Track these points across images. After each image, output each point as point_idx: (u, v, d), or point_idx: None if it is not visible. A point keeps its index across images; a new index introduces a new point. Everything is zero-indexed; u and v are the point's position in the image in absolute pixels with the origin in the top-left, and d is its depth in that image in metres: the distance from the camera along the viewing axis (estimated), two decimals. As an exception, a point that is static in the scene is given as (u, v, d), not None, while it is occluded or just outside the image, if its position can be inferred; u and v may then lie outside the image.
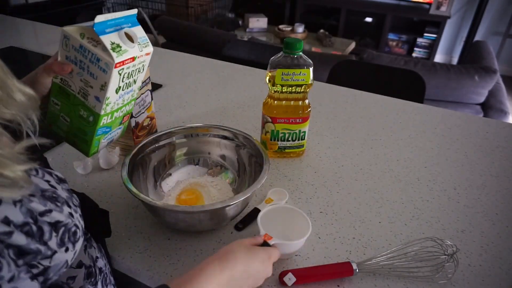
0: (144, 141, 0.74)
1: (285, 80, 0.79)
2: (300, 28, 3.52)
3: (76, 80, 0.58)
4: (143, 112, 0.84)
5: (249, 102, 1.15)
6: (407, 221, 0.72)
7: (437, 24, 3.80)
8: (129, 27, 0.57)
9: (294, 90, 0.80)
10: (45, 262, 0.39)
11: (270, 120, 0.84)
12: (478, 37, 3.70)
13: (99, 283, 0.52)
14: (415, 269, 0.61)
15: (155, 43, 3.45)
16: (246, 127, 1.01)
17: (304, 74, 0.78)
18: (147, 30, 3.62)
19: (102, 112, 0.58)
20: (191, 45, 2.63)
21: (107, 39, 0.53)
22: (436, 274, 0.60)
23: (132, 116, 0.81)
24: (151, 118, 0.89)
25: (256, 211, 0.71)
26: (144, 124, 0.86)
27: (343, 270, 0.60)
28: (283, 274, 0.59)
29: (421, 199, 0.78)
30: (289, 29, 3.55)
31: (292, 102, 0.83)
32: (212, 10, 4.41)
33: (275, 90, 0.81)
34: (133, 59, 0.57)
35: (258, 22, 3.74)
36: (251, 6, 4.44)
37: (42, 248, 0.39)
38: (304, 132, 0.86)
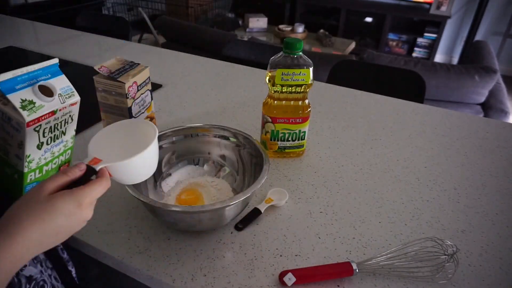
0: (144, 141, 0.74)
1: (285, 80, 0.79)
2: (300, 28, 3.52)
3: None
4: (143, 112, 0.84)
5: (249, 102, 1.15)
6: (407, 221, 0.72)
7: (437, 24, 3.80)
8: (48, 78, 0.52)
9: (294, 90, 0.80)
10: None
11: (270, 120, 0.84)
12: (478, 37, 3.70)
13: None
14: (415, 269, 0.61)
15: (155, 43, 3.45)
16: (246, 127, 1.01)
17: (304, 74, 0.78)
18: (147, 30, 3.62)
19: (26, 170, 0.53)
20: (191, 45, 2.63)
21: (17, 97, 0.48)
22: (436, 274, 0.60)
23: (132, 116, 0.81)
24: (151, 118, 0.89)
25: (256, 211, 0.71)
26: (144, 124, 0.86)
27: (343, 270, 0.60)
28: (283, 274, 0.59)
29: (421, 199, 0.78)
30: (289, 29, 3.55)
31: (292, 102, 0.83)
32: (212, 10, 4.42)
33: (275, 90, 0.81)
34: (53, 113, 0.51)
35: (258, 22, 3.74)
36: (251, 6, 4.44)
37: None
38: (304, 132, 0.86)
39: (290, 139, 0.86)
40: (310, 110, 0.84)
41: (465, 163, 0.90)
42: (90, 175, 0.48)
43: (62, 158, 0.60)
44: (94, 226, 0.68)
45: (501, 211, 0.76)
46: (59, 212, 0.40)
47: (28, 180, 0.55)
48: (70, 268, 0.63)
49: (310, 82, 0.80)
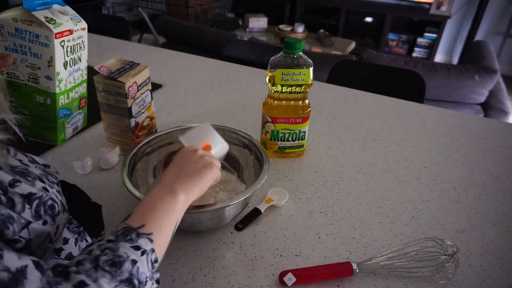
0: (144, 141, 0.74)
1: (285, 80, 0.79)
2: (300, 28, 3.52)
3: (22, 68, 0.58)
4: (143, 112, 0.84)
5: (249, 102, 1.15)
6: (407, 221, 0.72)
7: (437, 24, 3.80)
8: (58, 3, 0.60)
9: (294, 90, 0.80)
10: (24, 234, 0.39)
11: (270, 120, 0.84)
12: (478, 37, 3.70)
13: None
14: (415, 269, 0.61)
15: (155, 43, 3.45)
16: (246, 127, 1.01)
17: (304, 74, 0.78)
18: (147, 30, 3.62)
19: (57, 90, 0.59)
20: (191, 45, 2.62)
21: (41, 15, 0.55)
22: (436, 274, 0.60)
23: (132, 116, 0.81)
24: (151, 118, 0.89)
25: (256, 211, 0.71)
26: (144, 124, 0.86)
27: (343, 270, 0.60)
28: (283, 274, 0.59)
29: (421, 199, 0.78)
30: (289, 29, 3.55)
31: (292, 102, 0.83)
32: (212, 10, 4.42)
33: (275, 90, 0.81)
34: (70, 31, 0.58)
35: (258, 22, 3.74)
36: (251, 6, 4.44)
37: (14, 215, 0.38)
38: (304, 132, 0.86)
39: (290, 139, 0.86)
40: (310, 110, 0.84)
41: (465, 163, 0.90)
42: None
43: (81, 89, 0.67)
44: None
45: (501, 211, 0.76)
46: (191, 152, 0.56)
47: (60, 104, 0.61)
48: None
49: (310, 82, 0.80)
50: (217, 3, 4.48)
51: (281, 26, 3.60)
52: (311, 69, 0.79)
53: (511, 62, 3.77)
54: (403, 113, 1.12)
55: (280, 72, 0.78)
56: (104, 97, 0.80)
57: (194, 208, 0.59)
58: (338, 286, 0.59)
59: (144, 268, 0.40)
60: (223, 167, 0.81)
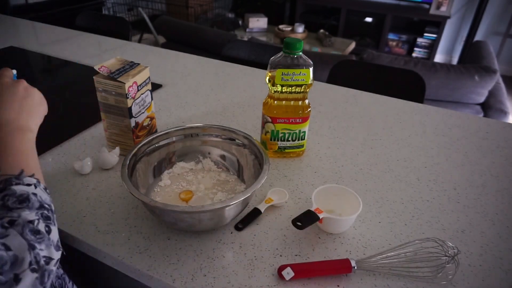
0: (144, 141, 0.74)
1: (285, 80, 0.79)
2: (300, 28, 3.52)
3: None
4: (143, 112, 0.84)
5: (249, 102, 1.15)
6: (407, 221, 0.72)
7: (437, 24, 3.80)
8: None
9: (294, 90, 0.80)
10: None
11: (270, 120, 0.84)
12: (478, 37, 3.70)
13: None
14: (415, 269, 0.61)
15: (155, 43, 3.45)
16: (246, 127, 1.01)
17: (304, 74, 0.78)
18: (147, 30, 3.62)
19: None
20: (191, 45, 2.63)
21: None
22: (436, 275, 0.60)
23: (132, 116, 0.81)
24: (151, 118, 0.89)
25: (256, 211, 0.71)
26: (144, 124, 0.86)
27: (341, 266, 0.60)
28: (282, 268, 0.59)
29: (421, 199, 0.78)
30: (289, 29, 3.55)
31: (292, 102, 0.83)
32: (212, 10, 4.42)
33: (275, 90, 0.81)
34: None
35: (258, 22, 3.74)
36: (251, 6, 4.44)
37: None
38: (304, 132, 0.86)
39: (290, 139, 0.86)
40: (310, 110, 0.84)
41: (465, 163, 0.90)
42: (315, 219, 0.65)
43: None
44: (94, 226, 0.68)
45: (501, 211, 0.76)
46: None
47: None
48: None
49: (310, 82, 0.80)
50: (217, 3, 4.48)
51: (281, 26, 3.61)
52: (311, 69, 0.79)
53: (510, 62, 3.77)
54: (403, 113, 1.12)
55: (280, 72, 0.78)
56: (104, 97, 0.80)
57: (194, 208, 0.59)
58: (338, 286, 0.59)
59: (43, 195, 0.47)
60: (222, 166, 0.81)
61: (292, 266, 0.59)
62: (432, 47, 3.91)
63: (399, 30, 4.07)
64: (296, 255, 0.64)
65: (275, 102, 0.83)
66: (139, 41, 4.00)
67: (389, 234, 0.69)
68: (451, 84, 2.02)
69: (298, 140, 0.87)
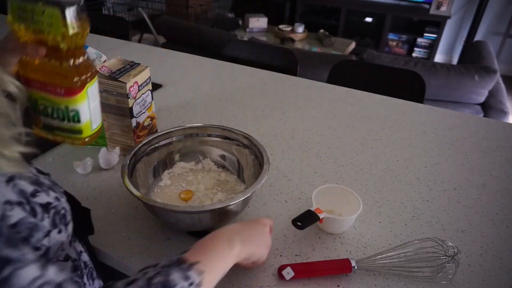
0: (144, 141, 0.74)
1: (23, 20, 0.47)
2: (300, 28, 3.52)
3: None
4: (143, 112, 0.84)
5: (249, 102, 1.15)
6: (407, 221, 0.72)
7: (437, 24, 3.80)
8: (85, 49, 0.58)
9: (42, 38, 0.49)
10: (45, 242, 0.41)
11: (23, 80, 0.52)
12: (478, 37, 3.70)
13: (85, 277, 0.53)
14: (415, 269, 0.61)
15: (155, 43, 3.45)
16: (246, 127, 1.01)
17: (51, 17, 0.47)
18: (147, 30, 3.62)
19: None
20: (191, 45, 2.62)
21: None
22: (436, 275, 0.60)
23: (133, 116, 0.81)
24: (152, 118, 0.89)
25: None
26: (144, 124, 0.86)
27: (341, 266, 0.60)
28: (282, 268, 0.59)
29: (421, 199, 0.78)
30: (289, 29, 3.55)
31: (49, 60, 0.51)
32: (212, 10, 4.42)
33: (15, 30, 0.49)
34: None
35: (258, 22, 3.73)
36: (251, 6, 4.44)
37: (39, 224, 0.40)
38: (76, 111, 0.54)
39: (55, 116, 0.54)
40: (84, 79, 0.53)
41: (465, 163, 0.90)
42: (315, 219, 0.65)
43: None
44: (94, 226, 0.68)
45: (501, 211, 0.76)
46: (255, 224, 0.59)
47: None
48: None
49: (67, 32, 0.48)
50: (217, 3, 4.48)
51: (281, 26, 3.60)
52: (67, 10, 0.47)
53: (510, 62, 3.77)
54: (403, 113, 1.12)
55: (15, 6, 0.47)
56: (105, 97, 0.80)
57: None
58: (338, 286, 0.59)
59: None
60: (222, 166, 0.81)
61: (292, 266, 0.59)
62: (432, 47, 3.91)
63: (399, 30, 4.07)
64: (296, 255, 0.64)
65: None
66: (139, 41, 4.00)
67: (389, 234, 0.69)
68: (451, 84, 2.02)
69: (68, 121, 0.55)
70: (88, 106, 0.55)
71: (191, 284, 0.42)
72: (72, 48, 0.51)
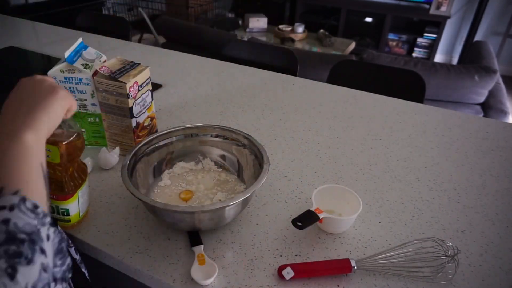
0: (144, 141, 0.74)
1: None
2: (300, 28, 3.52)
3: None
4: (143, 112, 0.84)
5: (249, 102, 1.15)
6: (407, 221, 0.72)
7: (437, 24, 3.80)
8: (84, 50, 0.80)
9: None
10: None
11: None
12: (478, 37, 3.70)
13: None
14: (415, 269, 0.61)
15: (155, 43, 3.45)
16: (246, 127, 1.01)
17: (48, 151, 0.56)
18: (147, 30, 3.62)
19: (100, 111, 0.83)
20: (191, 45, 2.63)
21: (78, 64, 0.78)
22: (436, 275, 0.60)
23: (133, 116, 0.81)
24: (152, 118, 0.89)
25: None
26: (144, 124, 0.86)
27: (341, 266, 0.60)
28: (282, 268, 0.59)
29: (421, 199, 0.78)
30: (289, 29, 3.55)
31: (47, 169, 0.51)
32: (212, 10, 4.42)
33: None
34: (97, 70, 0.77)
35: (258, 22, 3.73)
36: (251, 6, 4.44)
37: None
38: (66, 209, 0.64)
39: None
40: (77, 186, 0.62)
41: (465, 163, 0.90)
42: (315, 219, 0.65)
43: None
44: (94, 226, 0.68)
45: (501, 211, 0.76)
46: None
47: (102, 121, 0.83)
48: (83, 270, 0.62)
49: (63, 162, 0.58)
50: (217, 3, 4.48)
51: (281, 26, 3.60)
52: (60, 148, 0.56)
53: (510, 62, 3.77)
54: (403, 113, 1.12)
55: None
56: (105, 97, 0.80)
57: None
58: (338, 286, 0.59)
59: (23, 220, 0.35)
60: (222, 166, 0.81)
61: (292, 266, 0.59)
62: (432, 47, 3.91)
63: (399, 30, 4.07)
64: (296, 255, 0.64)
65: None
66: (139, 41, 4.00)
67: (389, 234, 0.69)
68: (451, 84, 2.02)
69: (58, 214, 0.64)
70: (78, 204, 0.65)
71: (11, 208, 0.36)
72: (68, 163, 0.61)
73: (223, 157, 0.81)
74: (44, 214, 0.38)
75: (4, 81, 1.25)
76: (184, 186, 0.77)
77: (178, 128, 0.79)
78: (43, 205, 0.39)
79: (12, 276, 0.32)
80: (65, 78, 0.78)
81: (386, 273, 0.61)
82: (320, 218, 0.64)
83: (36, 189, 0.39)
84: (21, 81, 0.48)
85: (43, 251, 0.35)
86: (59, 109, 0.47)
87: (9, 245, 0.33)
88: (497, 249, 0.67)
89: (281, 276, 0.59)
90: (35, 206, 0.38)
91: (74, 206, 0.64)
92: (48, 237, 0.37)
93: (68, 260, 0.41)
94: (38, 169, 0.41)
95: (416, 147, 0.96)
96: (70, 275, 0.41)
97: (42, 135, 0.44)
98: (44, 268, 0.35)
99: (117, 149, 0.84)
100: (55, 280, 0.37)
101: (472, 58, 2.46)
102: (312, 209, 0.65)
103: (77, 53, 0.79)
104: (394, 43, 4.12)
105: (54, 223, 0.39)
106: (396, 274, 0.61)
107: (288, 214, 0.72)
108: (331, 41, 3.38)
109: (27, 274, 0.33)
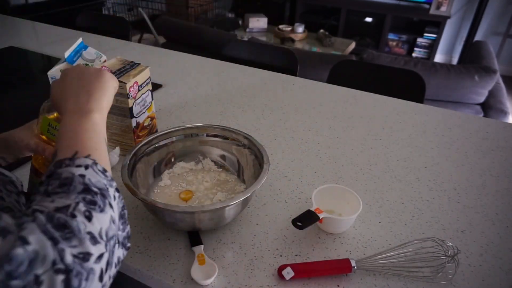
0: (144, 141, 0.74)
1: (51, 134, 0.60)
2: (300, 28, 3.52)
3: None
4: (143, 112, 0.84)
5: (249, 102, 1.15)
6: (407, 221, 0.72)
7: (437, 24, 3.80)
8: (84, 50, 0.77)
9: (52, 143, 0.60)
10: None
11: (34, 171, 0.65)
12: (478, 37, 3.70)
13: None
14: (415, 269, 0.61)
15: (155, 43, 3.45)
16: (246, 127, 1.01)
17: None
18: (147, 30, 3.62)
19: None
20: (191, 45, 2.63)
21: (81, 63, 0.75)
22: (436, 275, 0.60)
23: (133, 116, 0.81)
24: (152, 118, 0.89)
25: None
26: (144, 124, 0.86)
27: (341, 266, 0.60)
28: (282, 268, 0.59)
29: (421, 199, 0.78)
30: (289, 29, 3.55)
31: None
32: (212, 10, 4.42)
33: (44, 139, 0.62)
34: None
35: (258, 22, 3.73)
36: (251, 6, 4.44)
37: None
38: None
39: None
40: None
41: (465, 163, 0.90)
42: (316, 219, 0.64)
43: None
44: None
45: (501, 211, 0.76)
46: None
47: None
48: None
49: None
50: (217, 3, 4.48)
51: (281, 26, 3.60)
52: None
53: (510, 62, 3.77)
54: (403, 113, 1.12)
55: (46, 122, 0.60)
56: (104, 97, 0.80)
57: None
58: (338, 286, 0.59)
59: (95, 177, 0.40)
60: (222, 166, 0.81)
61: (292, 266, 0.59)
62: (432, 47, 3.91)
63: (399, 30, 4.07)
64: (296, 255, 0.64)
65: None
66: (139, 41, 4.01)
67: (389, 234, 0.69)
68: (451, 84, 2.02)
69: None
70: None
71: (86, 167, 0.40)
72: None
73: (223, 157, 0.81)
74: (111, 178, 0.43)
75: (4, 81, 1.25)
76: (184, 186, 0.77)
77: (178, 128, 0.79)
78: (108, 171, 0.43)
79: (89, 218, 0.36)
80: None
81: (386, 273, 0.61)
82: (320, 218, 0.64)
83: (103, 157, 0.44)
84: (67, 71, 0.53)
85: (111, 206, 0.40)
86: (111, 88, 0.54)
87: (86, 194, 0.38)
88: (497, 249, 0.67)
89: (281, 276, 0.59)
90: (104, 170, 0.42)
91: None
92: (114, 198, 0.41)
93: (128, 228, 0.43)
94: (103, 142, 0.47)
95: (416, 147, 0.96)
96: (129, 244, 0.43)
97: (104, 114, 0.51)
98: (113, 220, 0.39)
99: (117, 149, 0.84)
100: (117, 242, 0.40)
101: (472, 58, 2.46)
102: (312, 209, 0.65)
103: (77, 53, 0.79)
104: (394, 43, 4.12)
105: (118, 189, 0.43)
106: (396, 274, 0.61)
107: (288, 214, 0.73)
108: (331, 41, 3.38)
109: (101, 219, 0.37)
